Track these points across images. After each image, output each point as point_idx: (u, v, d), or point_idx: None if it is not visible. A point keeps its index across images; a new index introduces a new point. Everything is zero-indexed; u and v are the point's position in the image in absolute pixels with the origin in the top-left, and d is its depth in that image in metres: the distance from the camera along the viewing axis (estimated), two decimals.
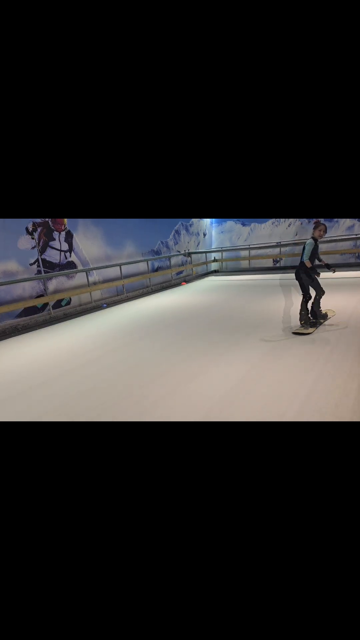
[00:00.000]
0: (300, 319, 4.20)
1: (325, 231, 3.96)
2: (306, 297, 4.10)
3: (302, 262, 4.00)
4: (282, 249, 10.88)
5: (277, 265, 11.23)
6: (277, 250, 11.02)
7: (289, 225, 10.91)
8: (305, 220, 10.39)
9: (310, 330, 4.07)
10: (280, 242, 10.87)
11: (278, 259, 11.17)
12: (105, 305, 7.74)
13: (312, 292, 4.18)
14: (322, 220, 9.09)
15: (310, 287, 4.12)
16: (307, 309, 4.16)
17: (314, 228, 3.99)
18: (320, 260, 4.20)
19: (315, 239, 3.97)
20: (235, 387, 2.85)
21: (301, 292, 4.15)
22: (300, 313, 4.19)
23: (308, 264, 3.97)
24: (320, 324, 4.29)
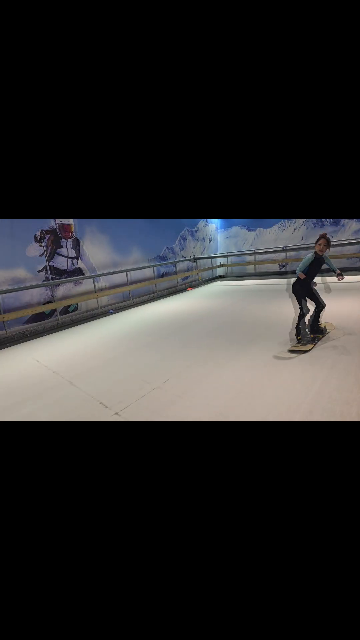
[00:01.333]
0: (297, 334, 3.91)
1: (326, 245, 3.56)
2: (302, 310, 3.77)
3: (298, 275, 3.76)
4: (288, 254, 10.85)
5: (283, 269, 11.20)
6: (283, 255, 11.00)
7: (295, 230, 10.89)
8: (311, 224, 10.36)
9: (308, 347, 3.72)
10: (286, 247, 10.85)
11: (284, 264, 11.14)
12: (112, 311, 7.80)
13: (312, 306, 3.94)
14: (328, 221, 9.03)
15: (308, 301, 3.81)
16: (305, 323, 3.84)
17: (315, 242, 3.68)
18: (334, 270, 3.78)
19: (316, 254, 3.66)
20: (238, 394, 2.85)
21: (299, 306, 3.82)
22: (296, 328, 3.90)
23: (300, 276, 3.70)
24: (319, 339, 3.94)
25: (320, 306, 3.95)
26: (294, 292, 3.87)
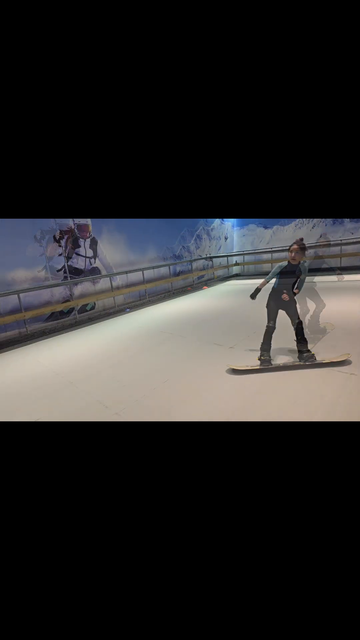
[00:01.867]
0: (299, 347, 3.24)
1: (298, 252, 3.04)
2: (267, 323, 3.31)
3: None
4: (306, 252, 10.65)
5: None
6: None
7: (313, 227, 10.67)
8: (330, 221, 10.12)
9: (254, 366, 3.22)
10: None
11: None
12: (128, 309, 7.91)
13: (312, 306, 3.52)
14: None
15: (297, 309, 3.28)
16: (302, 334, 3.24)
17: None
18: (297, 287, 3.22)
19: (289, 262, 3.14)
20: (257, 392, 2.84)
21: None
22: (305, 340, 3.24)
23: (260, 285, 3.27)
24: (266, 361, 3.27)
25: (268, 324, 3.30)
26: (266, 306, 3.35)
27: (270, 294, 3.30)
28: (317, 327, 3.95)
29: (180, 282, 10.08)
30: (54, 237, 6.56)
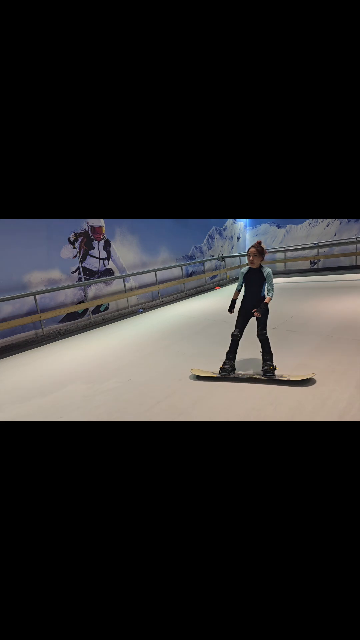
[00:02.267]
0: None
1: (256, 255, 2.92)
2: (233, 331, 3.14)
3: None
4: (320, 250, 10.48)
5: (315, 267, 10.83)
6: (314, 251, 10.64)
7: (328, 225, 10.48)
8: (345, 219, 9.93)
9: (212, 373, 3.07)
10: (317, 243, 10.48)
11: (316, 261, 10.78)
12: (141, 310, 7.96)
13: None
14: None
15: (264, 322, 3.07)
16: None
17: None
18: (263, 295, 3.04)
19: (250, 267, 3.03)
20: (271, 391, 2.81)
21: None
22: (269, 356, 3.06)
23: (234, 296, 3.15)
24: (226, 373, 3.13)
25: (232, 332, 3.18)
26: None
27: (241, 302, 3.18)
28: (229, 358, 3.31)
29: (192, 283, 10.07)
30: (69, 239, 6.67)
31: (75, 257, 6.82)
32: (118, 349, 4.92)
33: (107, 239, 7.47)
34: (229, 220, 11.70)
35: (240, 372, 3.22)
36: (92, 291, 7.25)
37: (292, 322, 5.02)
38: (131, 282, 8.12)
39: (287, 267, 11.40)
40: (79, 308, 6.85)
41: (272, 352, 3.06)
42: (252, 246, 2.98)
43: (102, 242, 7.37)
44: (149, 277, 8.49)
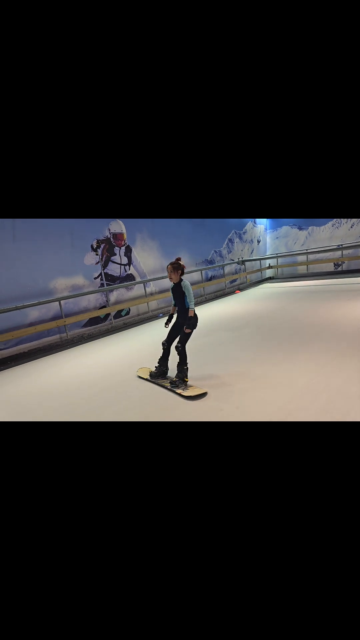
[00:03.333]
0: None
1: (172, 271, 3.22)
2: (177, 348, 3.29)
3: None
4: (344, 252, 10.18)
5: (339, 269, 10.53)
6: (338, 253, 10.35)
7: (352, 226, 10.19)
8: None
9: (188, 392, 3.08)
10: (342, 245, 10.20)
11: (340, 263, 10.47)
12: (161, 315, 8.04)
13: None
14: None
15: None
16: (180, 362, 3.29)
17: None
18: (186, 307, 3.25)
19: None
20: (293, 398, 2.77)
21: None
22: (181, 368, 3.28)
23: (172, 310, 3.45)
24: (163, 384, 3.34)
25: (163, 342, 3.44)
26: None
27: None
28: (161, 371, 3.60)
29: (212, 287, 10.07)
30: (91, 246, 6.88)
31: (97, 263, 7.02)
32: (140, 353, 4.99)
33: (128, 245, 7.64)
34: (249, 224, 11.63)
35: (164, 378, 3.51)
36: (113, 296, 7.41)
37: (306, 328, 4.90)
38: (151, 287, 8.24)
39: (309, 269, 11.16)
40: (101, 313, 7.02)
41: (187, 367, 3.31)
42: (169, 264, 3.26)
43: (123, 248, 7.53)
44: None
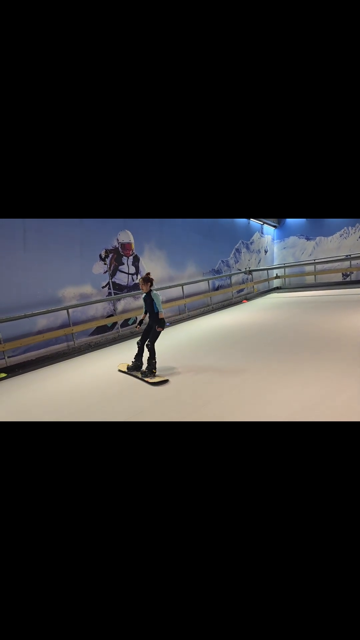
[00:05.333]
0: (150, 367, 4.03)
1: (142, 283, 4.02)
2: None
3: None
4: (353, 262, 10.12)
5: (348, 279, 10.45)
6: (347, 263, 10.29)
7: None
8: None
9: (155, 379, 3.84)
10: (350, 255, 10.15)
11: (349, 273, 10.40)
12: (168, 323, 8.06)
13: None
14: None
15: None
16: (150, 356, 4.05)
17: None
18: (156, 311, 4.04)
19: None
20: (300, 411, 2.72)
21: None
22: (150, 362, 4.04)
23: (142, 316, 4.28)
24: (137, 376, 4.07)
25: (137, 341, 4.26)
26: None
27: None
28: (136, 365, 4.31)
29: (219, 297, 10.07)
30: (100, 255, 6.98)
31: (105, 272, 7.11)
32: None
33: (136, 255, 7.73)
34: (257, 233, 11.68)
35: (138, 371, 4.21)
36: (121, 305, 7.47)
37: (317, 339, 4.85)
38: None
39: (317, 279, 11.10)
40: (109, 321, 7.07)
41: (156, 361, 4.05)
42: (141, 277, 4.04)
43: (131, 257, 7.63)
44: (176, 291, 8.61)
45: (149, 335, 4.09)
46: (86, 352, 6.27)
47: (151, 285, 4.04)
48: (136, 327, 4.30)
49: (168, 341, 6.20)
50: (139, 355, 4.23)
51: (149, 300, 4.05)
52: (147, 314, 4.16)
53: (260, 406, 2.87)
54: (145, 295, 4.09)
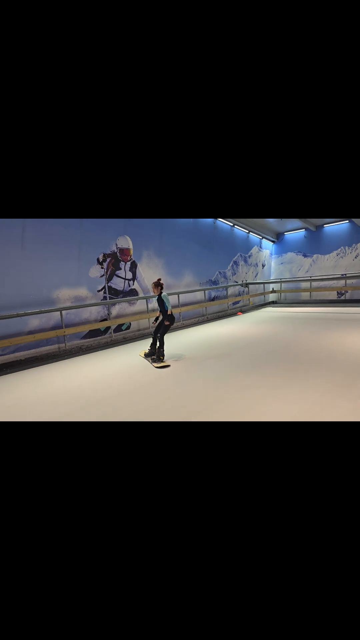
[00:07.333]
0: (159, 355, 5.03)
1: (153, 287, 4.96)
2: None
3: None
4: (348, 281, 10.25)
5: (342, 298, 10.56)
6: (342, 282, 10.42)
7: (357, 257, 10.31)
8: None
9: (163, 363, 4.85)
10: (345, 274, 10.29)
11: (343, 292, 10.52)
12: (177, 315, 8.03)
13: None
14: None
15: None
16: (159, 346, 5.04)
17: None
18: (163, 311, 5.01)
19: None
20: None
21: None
22: (159, 350, 5.02)
23: (158, 314, 5.22)
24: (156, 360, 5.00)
25: (152, 335, 5.21)
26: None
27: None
28: (151, 351, 5.17)
29: (214, 308, 10.10)
30: (98, 259, 6.97)
31: (102, 276, 7.08)
32: (137, 368, 4.94)
33: (134, 261, 7.73)
34: (255, 247, 11.80)
35: (150, 357, 5.19)
36: (115, 310, 7.43)
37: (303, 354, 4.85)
38: (154, 303, 8.26)
39: (312, 296, 11.21)
40: (102, 325, 7.02)
41: (164, 349, 5.05)
42: (153, 282, 5.00)
43: (129, 263, 7.63)
44: (171, 300, 8.61)
45: (161, 328, 5.00)
46: (77, 355, 6.19)
47: (161, 289, 4.95)
48: (153, 323, 5.29)
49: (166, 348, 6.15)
50: (153, 344, 5.13)
51: (160, 301, 4.98)
52: (160, 312, 5.10)
53: (248, 416, 2.83)
54: (157, 297, 5.00)
